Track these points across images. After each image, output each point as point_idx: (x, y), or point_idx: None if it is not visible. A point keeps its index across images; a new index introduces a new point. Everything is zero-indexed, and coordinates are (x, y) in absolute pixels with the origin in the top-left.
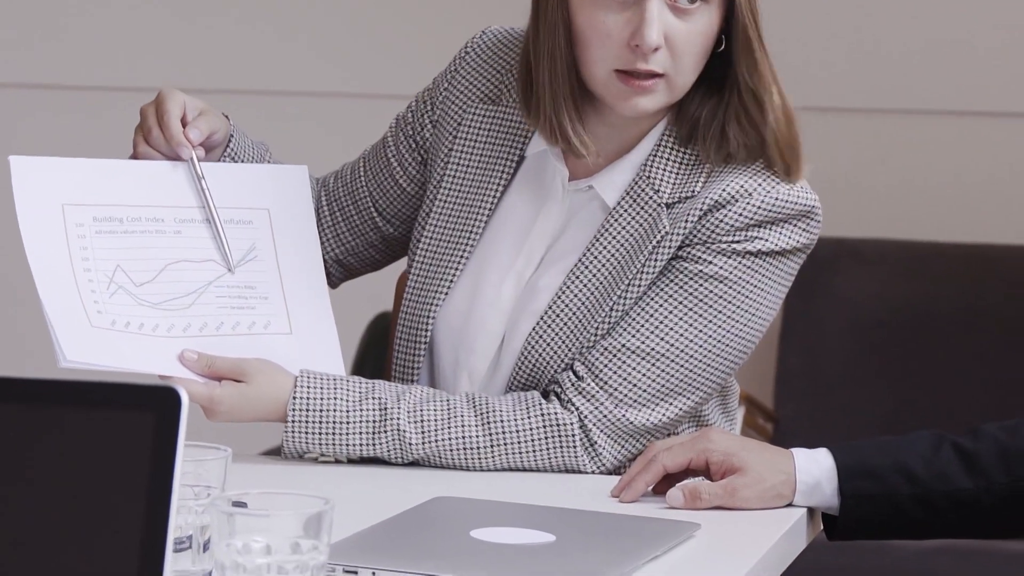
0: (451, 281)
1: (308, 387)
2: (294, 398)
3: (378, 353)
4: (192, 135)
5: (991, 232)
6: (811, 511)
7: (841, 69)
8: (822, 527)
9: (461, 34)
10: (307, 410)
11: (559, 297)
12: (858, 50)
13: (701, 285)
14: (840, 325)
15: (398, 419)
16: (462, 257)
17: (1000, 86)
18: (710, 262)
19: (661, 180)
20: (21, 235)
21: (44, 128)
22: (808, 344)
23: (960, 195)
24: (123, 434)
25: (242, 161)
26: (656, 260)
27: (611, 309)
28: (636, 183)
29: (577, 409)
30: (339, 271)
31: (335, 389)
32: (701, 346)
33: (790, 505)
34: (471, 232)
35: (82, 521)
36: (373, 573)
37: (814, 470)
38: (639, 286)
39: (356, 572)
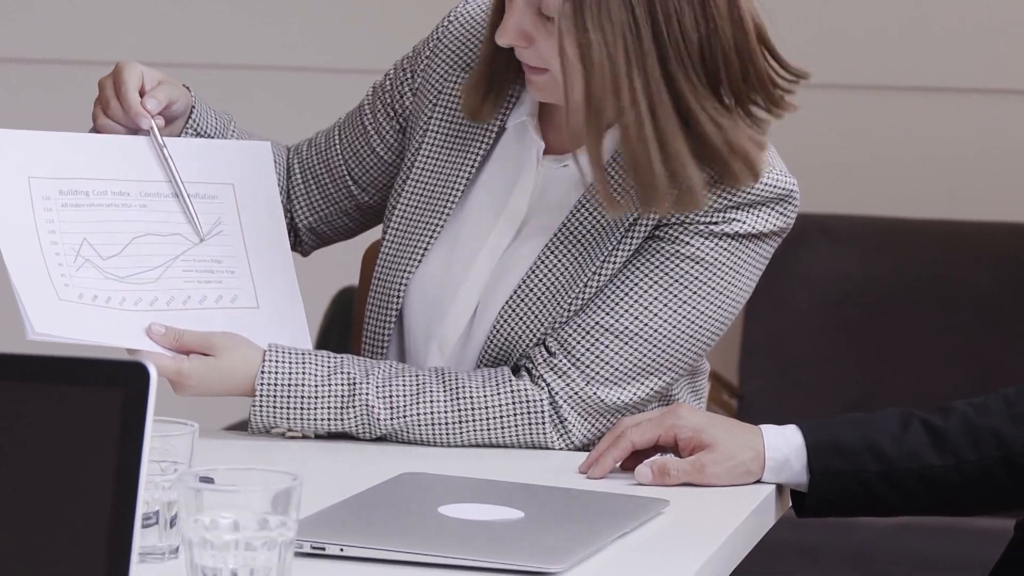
0: (425, 249)
1: (276, 361)
2: (262, 372)
3: (342, 327)
4: (150, 105)
5: (959, 208)
6: (780, 488)
7: (809, 45)
8: (791, 504)
9: (432, 9)
10: (275, 384)
11: (533, 271)
12: (826, 26)
13: (677, 265)
14: (806, 301)
15: (366, 394)
16: (437, 225)
17: (968, 63)
18: (687, 243)
19: None
20: None
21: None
22: (774, 320)
23: (928, 171)
24: (91, 410)
25: (205, 132)
26: (632, 238)
27: (585, 286)
28: (614, 161)
29: (548, 385)
30: (312, 239)
31: (303, 363)
32: (675, 326)
33: (759, 482)
34: (447, 201)
35: (50, 498)
36: (341, 549)
37: (783, 447)
38: (614, 263)
39: (324, 548)
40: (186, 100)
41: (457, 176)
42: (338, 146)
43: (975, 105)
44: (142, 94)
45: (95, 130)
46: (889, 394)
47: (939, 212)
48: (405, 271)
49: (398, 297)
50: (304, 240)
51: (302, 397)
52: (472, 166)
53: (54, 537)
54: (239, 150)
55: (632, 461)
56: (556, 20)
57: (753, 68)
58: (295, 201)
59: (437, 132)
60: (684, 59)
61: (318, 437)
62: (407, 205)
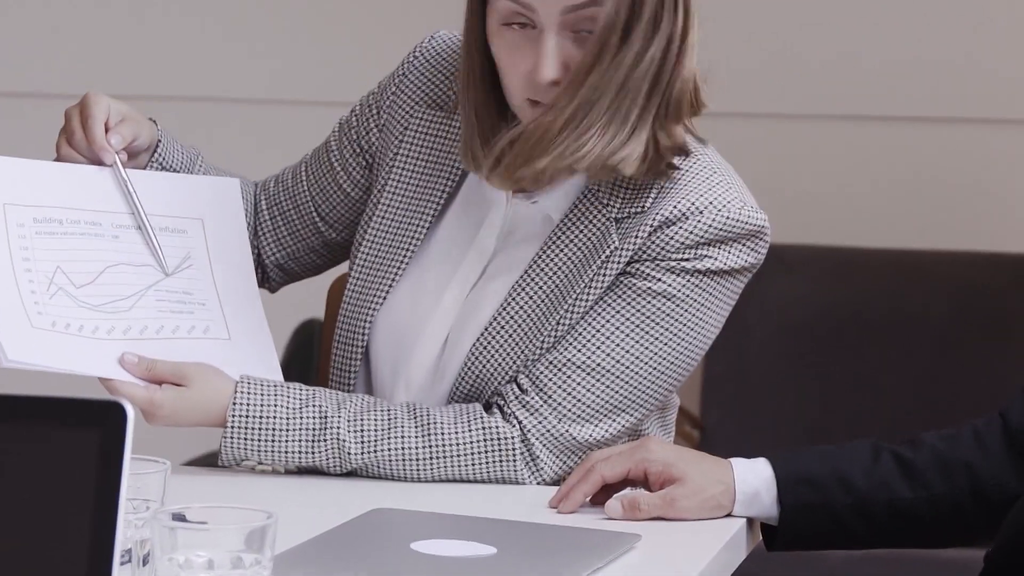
0: (389, 286)
1: (248, 392)
2: (234, 403)
3: (304, 360)
4: (114, 141)
5: (915, 237)
6: (750, 521)
7: (764, 74)
8: (761, 537)
9: (401, 41)
10: (247, 416)
11: (504, 309)
12: (784, 55)
13: (649, 302)
14: (766, 331)
15: (338, 428)
16: (402, 263)
17: (922, 91)
18: (659, 279)
19: (610, 194)
20: None
21: None
22: (734, 351)
23: (884, 200)
24: (68, 449)
25: (171, 167)
26: (604, 275)
27: (557, 323)
28: (584, 197)
29: (520, 423)
30: (279, 275)
31: (275, 396)
32: (647, 363)
33: (729, 515)
34: (412, 238)
35: (28, 537)
36: None
37: (753, 480)
38: (586, 300)
39: None
40: (151, 135)
41: (423, 213)
42: (305, 183)
43: (932, 134)
44: (108, 128)
45: (58, 160)
46: (849, 422)
47: (896, 241)
48: (370, 308)
49: (363, 334)
50: (272, 276)
51: (273, 429)
52: (438, 203)
53: None
54: (208, 186)
55: (602, 495)
56: (604, 32)
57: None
58: (263, 238)
59: (403, 168)
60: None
61: (288, 472)
62: (372, 241)
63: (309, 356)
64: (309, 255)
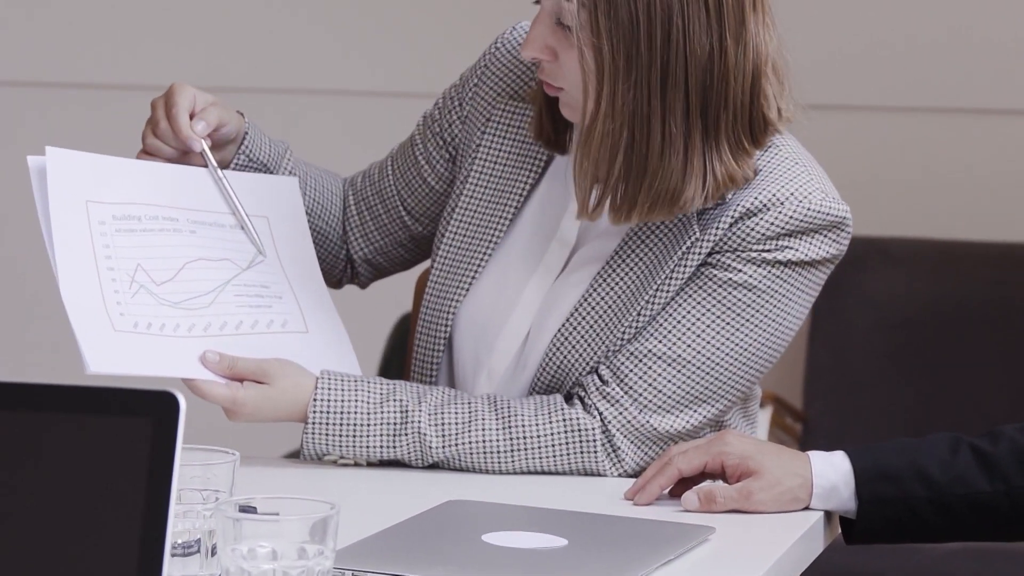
0: (473, 277)
1: (329, 388)
2: (315, 400)
3: (403, 355)
4: (198, 128)
5: (1020, 230)
6: (828, 514)
7: (867, 66)
8: (839, 530)
9: (484, 32)
10: (328, 412)
11: (586, 300)
12: (883, 47)
13: (730, 293)
14: (868, 324)
15: (419, 422)
16: (485, 254)
17: None
18: (739, 270)
19: None
20: (51, 230)
21: (54, 126)
22: (836, 343)
23: (988, 193)
24: (121, 440)
25: (258, 159)
26: (685, 266)
27: (638, 314)
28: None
29: (600, 414)
30: (368, 271)
31: (356, 391)
32: (728, 354)
33: (807, 509)
34: (495, 229)
35: (80, 527)
36: None
37: (830, 473)
38: (667, 291)
39: None
40: (237, 125)
41: (506, 204)
42: (391, 177)
43: None
44: (193, 116)
45: (144, 150)
46: (950, 415)
47: (998, 234)
48: (453, 300)
49: (446, 326)
50: (360, 272)
51: (354, 424)
52: (521, 194)
53: (85, 566)
54: (269, 184)
55: (680, 488)
56: (573, 29)
57: (747, 98)
58: (351, 233)
59: (486, 160)
60: (686, 76)
61: (370, 464)
62: (455, 234)
63: (409, 350)
64: (397, 250)
